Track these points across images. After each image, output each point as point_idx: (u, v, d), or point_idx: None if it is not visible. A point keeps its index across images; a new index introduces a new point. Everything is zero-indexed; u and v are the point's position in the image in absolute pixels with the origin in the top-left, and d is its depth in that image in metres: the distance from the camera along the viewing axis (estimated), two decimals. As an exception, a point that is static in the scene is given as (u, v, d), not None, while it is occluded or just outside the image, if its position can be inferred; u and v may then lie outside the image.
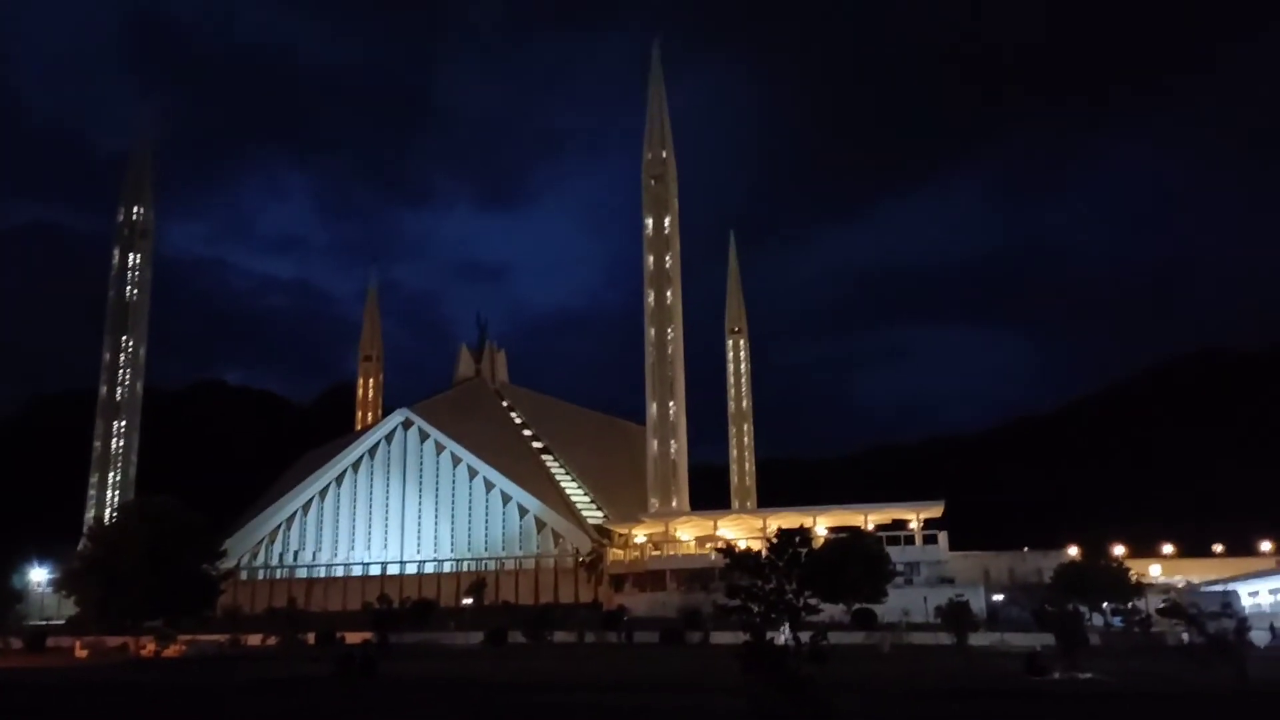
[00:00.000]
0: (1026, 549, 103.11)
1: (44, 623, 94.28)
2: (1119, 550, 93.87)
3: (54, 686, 39.84)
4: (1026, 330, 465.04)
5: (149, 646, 70.12)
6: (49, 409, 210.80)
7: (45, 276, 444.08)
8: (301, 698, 32.38)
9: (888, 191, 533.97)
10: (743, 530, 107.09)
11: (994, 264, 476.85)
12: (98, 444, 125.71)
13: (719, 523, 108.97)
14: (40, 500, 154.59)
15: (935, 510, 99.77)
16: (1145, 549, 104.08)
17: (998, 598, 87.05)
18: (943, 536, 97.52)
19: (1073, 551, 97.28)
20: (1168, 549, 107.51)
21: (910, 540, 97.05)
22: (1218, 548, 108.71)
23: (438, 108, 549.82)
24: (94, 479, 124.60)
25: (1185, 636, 53.54)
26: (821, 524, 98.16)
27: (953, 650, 57.33)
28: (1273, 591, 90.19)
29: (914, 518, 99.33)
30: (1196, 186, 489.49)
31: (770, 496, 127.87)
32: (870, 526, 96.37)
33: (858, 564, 72.63)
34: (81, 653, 69.73)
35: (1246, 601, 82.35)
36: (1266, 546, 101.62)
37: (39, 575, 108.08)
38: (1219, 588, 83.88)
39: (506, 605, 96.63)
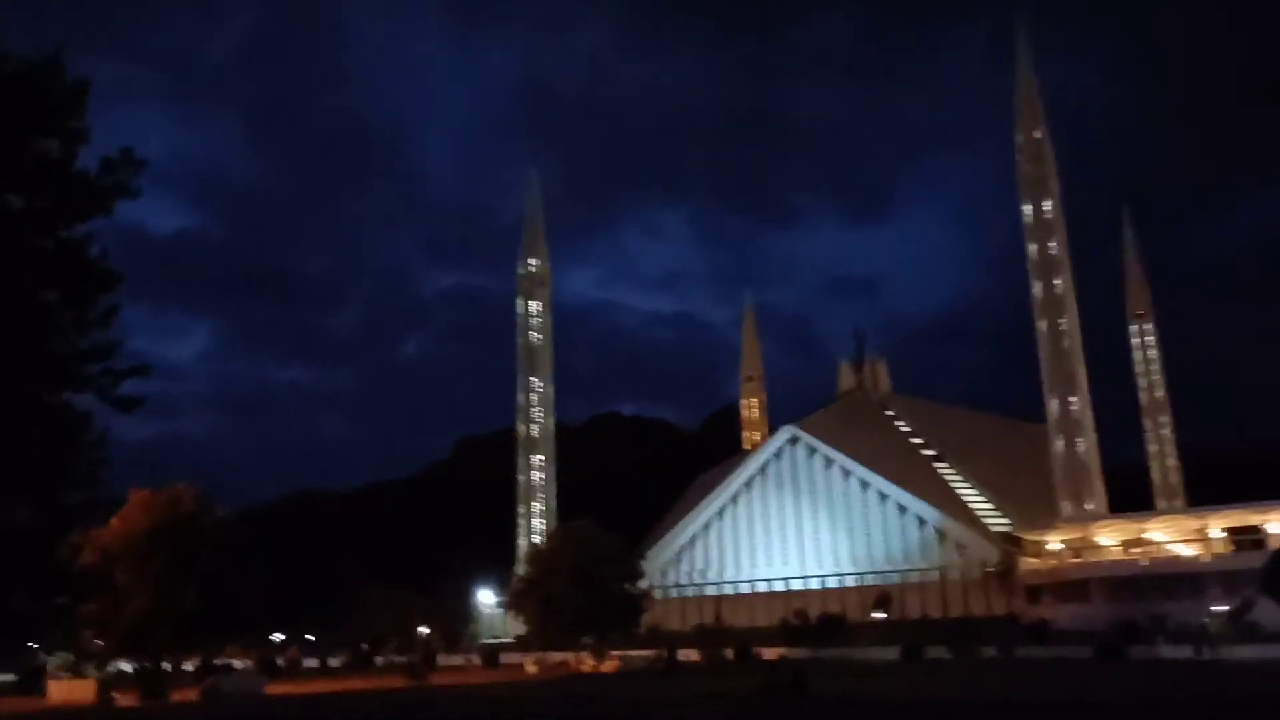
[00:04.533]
0: None
1: (494, 640, 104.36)
2: None
3: (534, 698, 42.52)
4: None
5: (588, 662, 75.03)
6: (477, 450, 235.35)
7: (466, 333, 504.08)
8: (745, 713, 32.44)
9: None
10: (1176, 533, 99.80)
11: None
12: (521, 478, 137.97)
13: (1147, 525, 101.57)
14: (475, 531, 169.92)
15: None
16: None
17: None
18: None
19: None
20: None
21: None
22: None
23: (796, 129, 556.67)
24: (521, 509, 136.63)
25: None
26: (1276, 523, 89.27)
27: None
28: None
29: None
30: None
31: (1203, 494, 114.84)
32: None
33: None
34: (531, 668, 75.90)
35: None
36: None
37: (486, 598, 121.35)
38: None
39: (922, 619, 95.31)
